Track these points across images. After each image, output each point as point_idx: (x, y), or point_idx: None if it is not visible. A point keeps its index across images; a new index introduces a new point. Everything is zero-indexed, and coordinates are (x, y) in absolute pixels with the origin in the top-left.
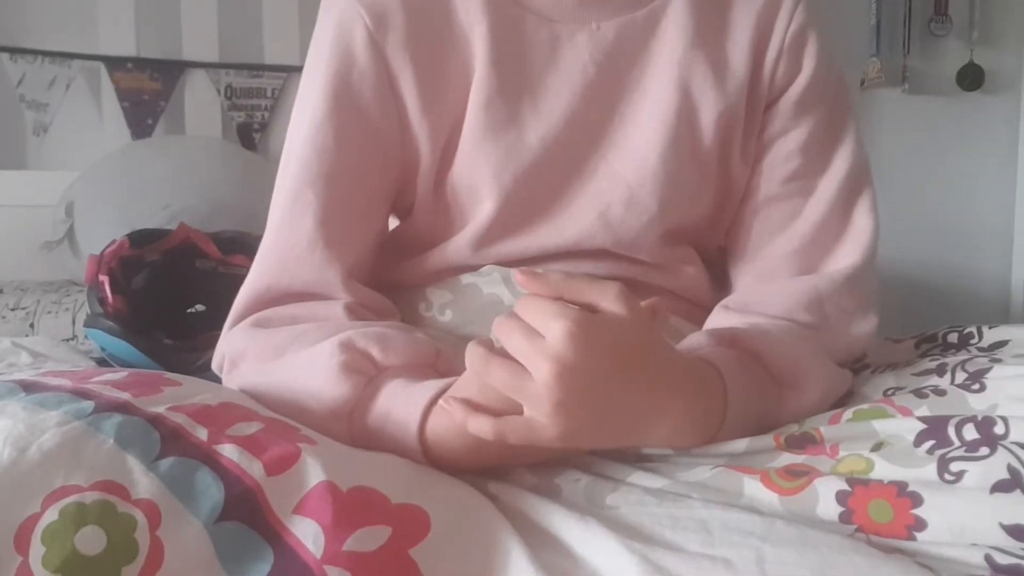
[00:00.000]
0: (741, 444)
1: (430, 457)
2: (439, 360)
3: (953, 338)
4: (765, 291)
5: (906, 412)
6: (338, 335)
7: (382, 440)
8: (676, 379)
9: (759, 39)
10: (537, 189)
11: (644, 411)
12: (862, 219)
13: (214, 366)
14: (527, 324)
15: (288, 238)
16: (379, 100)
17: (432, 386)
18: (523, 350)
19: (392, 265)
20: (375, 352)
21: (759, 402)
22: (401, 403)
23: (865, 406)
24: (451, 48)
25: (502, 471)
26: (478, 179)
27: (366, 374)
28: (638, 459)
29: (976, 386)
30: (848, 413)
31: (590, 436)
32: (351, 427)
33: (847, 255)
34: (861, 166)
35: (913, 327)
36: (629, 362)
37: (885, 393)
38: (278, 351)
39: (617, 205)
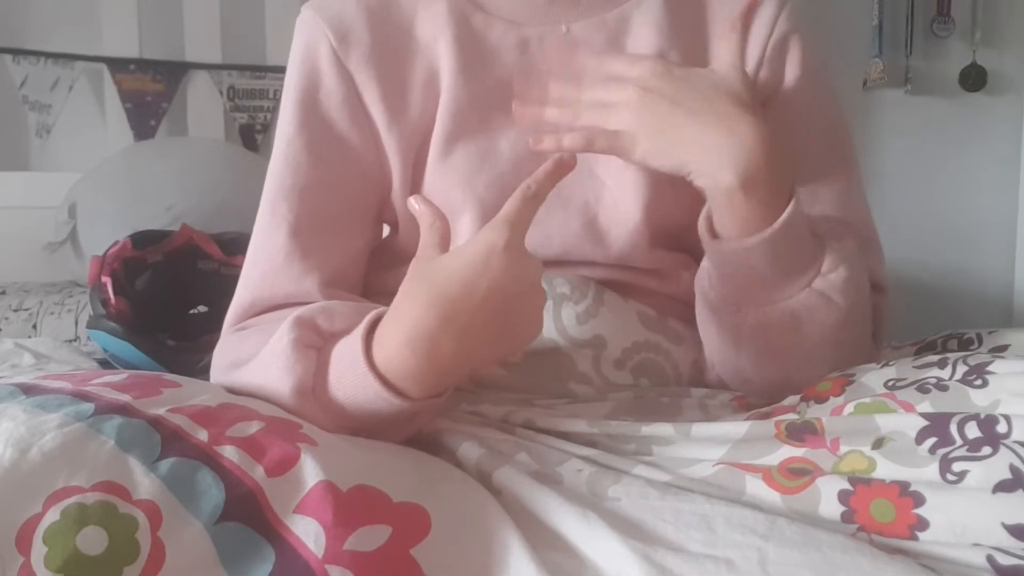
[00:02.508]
0: (742, 428)
1: (388, 380)
2: None
3: (953, 345)
4: None
5: (908, 407)
6: (289, 317)
7: (348, 400)
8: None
9: None
10: None
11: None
12: (869, 242)
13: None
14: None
15: (266, 251)
16: (347, 115)
17: (366, 319)
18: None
19: (382, 274)
20: (321, 322)
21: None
22: (345, 351)
23: (867, 400)
24: (416, 60)
25: (504, 458)
26: (451, 189)
27: (316, 346)
28: (639, 453)
29: (978, 381)
30: (850, 407)
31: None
32: (319, 403)
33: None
34: (859, 183)
35: (916, 328)
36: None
37: (886, 385)
38: (249, 349)
39: (603, 212)
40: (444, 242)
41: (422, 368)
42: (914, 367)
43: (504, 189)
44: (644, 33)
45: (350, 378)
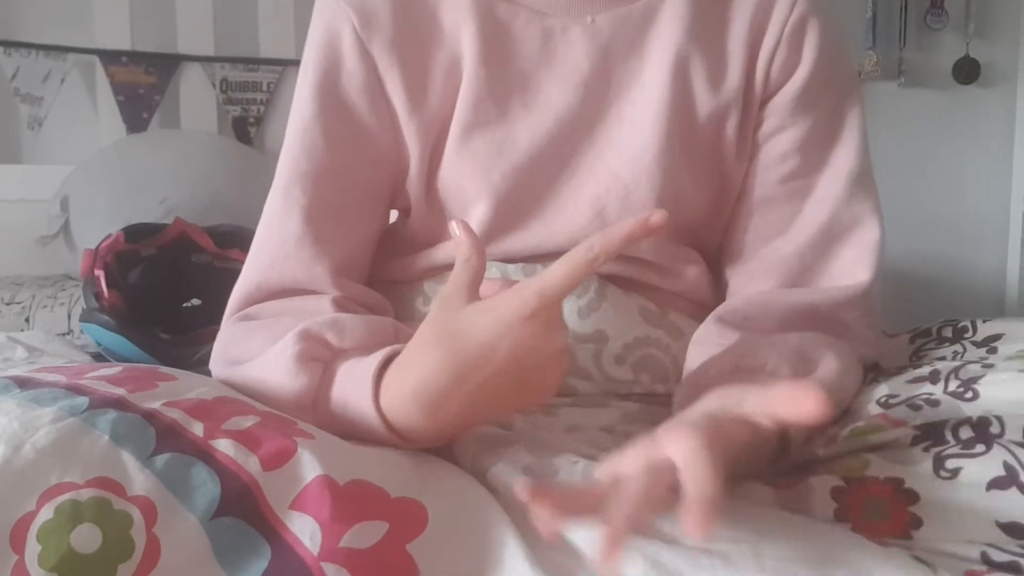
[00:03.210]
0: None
1: (391, 424)
2: (398, 336)
3: (947, 332)
4: (767, 303)
5: (900, 424)
6: (297, 326)
7: (349, 422)
8: None
9: (755, 30)
10: (529, 188)
11: None
12: (868, 229)
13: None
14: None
15: (278, 235)
16: (368, 100)
17: (379, 354)
18: None
19: (390, 260)
20: (330, 337)
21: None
22: (354, 379)
23: (861, 423)
24: (439, 47)
25: (499, 453)
26: (466, 178)
27: (322, 360)
28: None
29: (969, 394)
30: (844, 432)
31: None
32: (318, 417)
33: (854, 272)
34: (866, 169)
35: (908, 320)
36: None
37: (878, 402)
38: (252, 347)
39: (613, 204)
40: (475, 282)
41: (425, 423)
42: (906, 382)
43: (519, 180)
44: (668, 28)
45: (355, 410)
